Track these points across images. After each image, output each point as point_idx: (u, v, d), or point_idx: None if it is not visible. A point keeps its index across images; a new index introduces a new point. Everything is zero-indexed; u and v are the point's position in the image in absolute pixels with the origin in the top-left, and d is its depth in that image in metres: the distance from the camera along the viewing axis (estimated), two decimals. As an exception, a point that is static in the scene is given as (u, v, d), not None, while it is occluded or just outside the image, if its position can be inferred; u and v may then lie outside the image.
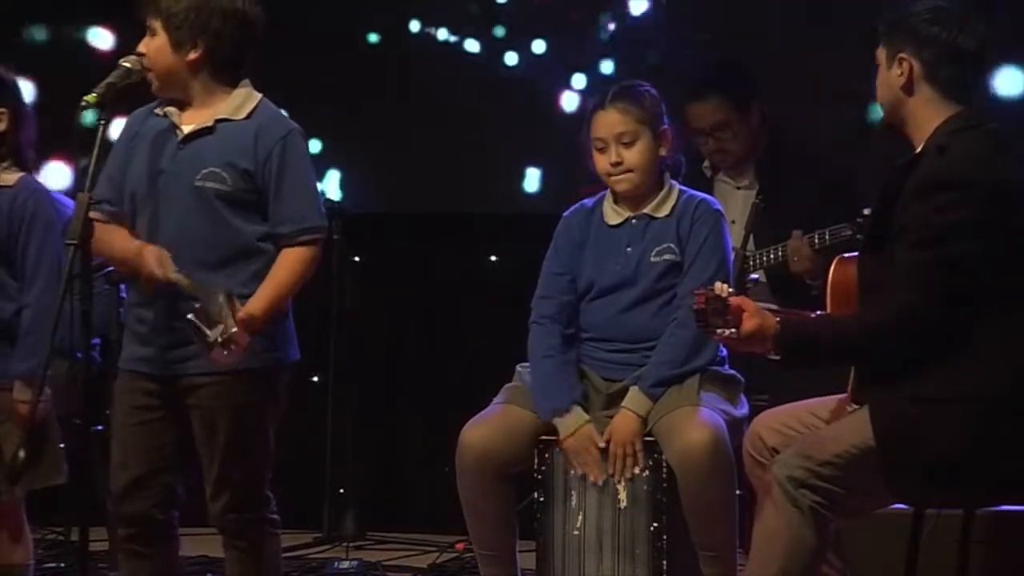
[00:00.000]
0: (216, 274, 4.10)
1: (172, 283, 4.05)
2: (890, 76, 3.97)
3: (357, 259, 6.80)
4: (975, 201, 3.81)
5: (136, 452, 4.19)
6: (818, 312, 4.17)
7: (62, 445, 4.82)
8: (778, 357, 3.90)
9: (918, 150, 3.96)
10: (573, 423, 4.64)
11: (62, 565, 5.75)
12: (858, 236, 5.06)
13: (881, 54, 4.00)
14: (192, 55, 4.18)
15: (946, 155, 3.86)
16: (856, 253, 4.15)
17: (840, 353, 3.94)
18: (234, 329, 3.98)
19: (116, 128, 4.23)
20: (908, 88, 3.96)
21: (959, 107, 3.94)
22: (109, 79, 4.09)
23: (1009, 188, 3.88)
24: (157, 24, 4.17)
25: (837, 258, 4.26)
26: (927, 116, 3.95)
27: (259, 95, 4.25)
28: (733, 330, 3.84)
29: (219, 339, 3.98)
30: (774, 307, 4.09)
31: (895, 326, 3.83)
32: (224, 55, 4.21)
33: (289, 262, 4.15)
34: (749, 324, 3.84)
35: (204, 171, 4.14)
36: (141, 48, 4.19)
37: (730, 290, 3.87)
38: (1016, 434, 3.82)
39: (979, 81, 4.01)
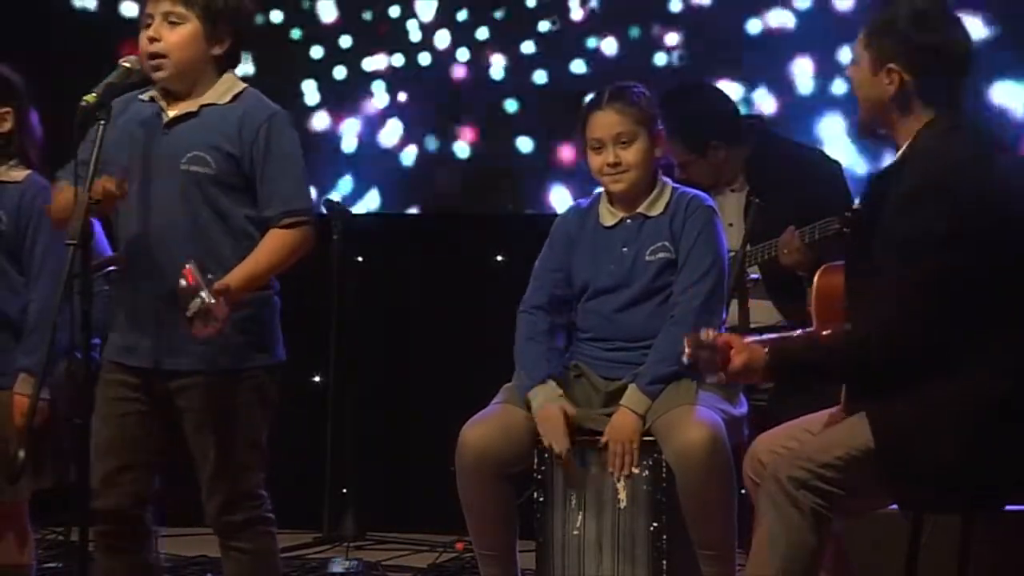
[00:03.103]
0: (203, 255, 4.05)
1: (120, 189, 4.00)
2: (877, 82, 3.94)
3: (360, 259, 6.81)
4: (960, 210, 3.79)
5: (112, 445, 4.16)
6: (805, 330, 4.15)
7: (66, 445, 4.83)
8: (768, 397, 3.93)
9: (900, 153, 3.95)
10: (545, 395, 4.65)
11: (62, 565, 5.75)
12: (845, 229, 5.08)
13: (864, 56, 3.97)
14: (218, 49, 4.18)
15: (930, 162, 3.84)
16: (841, 262, 4.16)
17: (830, 374, 3.93)
18: (212, 301, 3.90)
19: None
20: (898, 98, 3.93)
21: (944, 110, 3.92)
22: (109, 79, 4.07)
23: (995, 191, 3.86)
24: (188, 13, 4.13)
25: (823, 267, 4.28)
26: (911, 120, 3.94)
27: (244, 83, 4.24)
28: (722, 373, 3.88)
29: (197, 311, 3.91)
30: (758, 338, 4.10)
31: (881, 342, 3.82)
32: (238, 50, 4.23)
33: (271, 242, 4.12)
34: (738, 360, 3.87)
35: (189, 155, 4.12)
36: (153, 34, 4.13)
37: (715, 333, 3.89)
38: (1016, 437, 3.82)
39: (966, 83, 3.98)
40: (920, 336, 3.79)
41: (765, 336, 4.08)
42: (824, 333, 4.08)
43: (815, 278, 4.26)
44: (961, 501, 3.87)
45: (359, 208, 6.95)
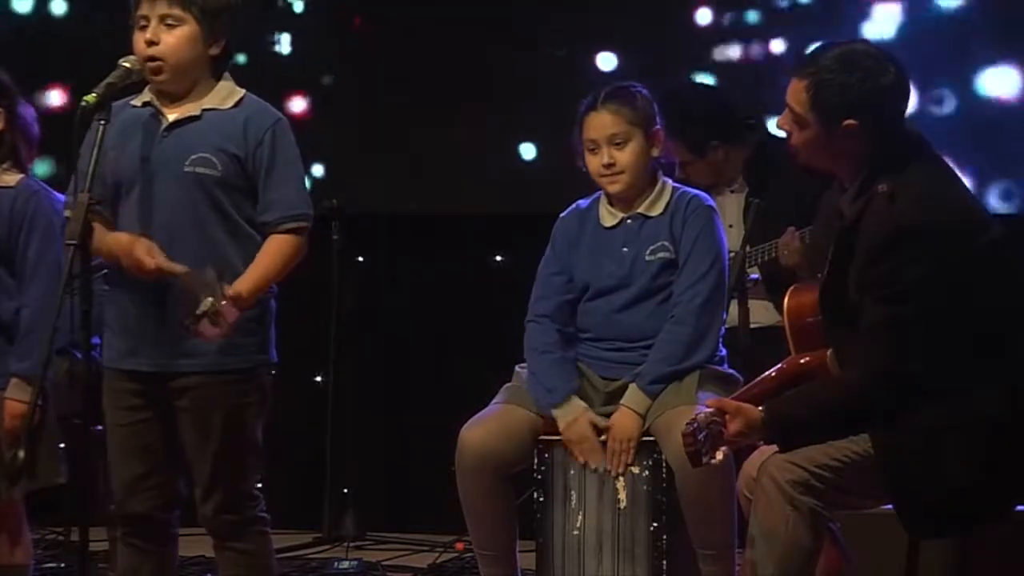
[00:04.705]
0: (206, 257, 4.06)
1: (164, 272, 4.02)
2: (832, 142, 3.88)
3: (360, 259, 6.81)
4: (939, 248, 3.78)
5: (131, 452, 4.18)
6: (786, 363, 4.14)
7: (62, 445, 4.83)
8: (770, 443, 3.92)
9: (854, 188, 3.92)
10: (571, 412, 4.65)
11: (62, 565, 5.75)
12: None
13: (811, 116, 3.89)
14: (215, 49, 4.18)
15: (897, 203, 3.82)
16: (809, 283, 4.16)
17: (830, 427, 3.88)
18: (223, 304, 3.93)
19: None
20: (860, 151, 3.89)
21: (896, 146, 3.90)
22: (109, 79, 4.06)
23: (963, 218, 3.86)
24: (186, 15, 4.12)
25: (791, 289, 4.28)
26: (863, 160, 3.91)
27: (243, 89, 4.25)
28: (724, 448, 3.87)
29: (206, 311, 3.92)
30: (746, 388, 4.11)
31: (880, 390, 3.81)
32: (231, 51, 4.24)
33: (276, 248, 4.14)
34: (733, 427, 3.86)
35: (193, 157, 4.12)
36: (151, 37, 4.12)
37: (707, 410, 3.88)
38: (1017, 458, 3.83)
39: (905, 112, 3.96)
40: (914, 377, 3.79)
41: (751, 386, 4.09)
42: (803, 361, 4.09)
43: (785, 300, 4.26)
44: (965, 522, 3.86)
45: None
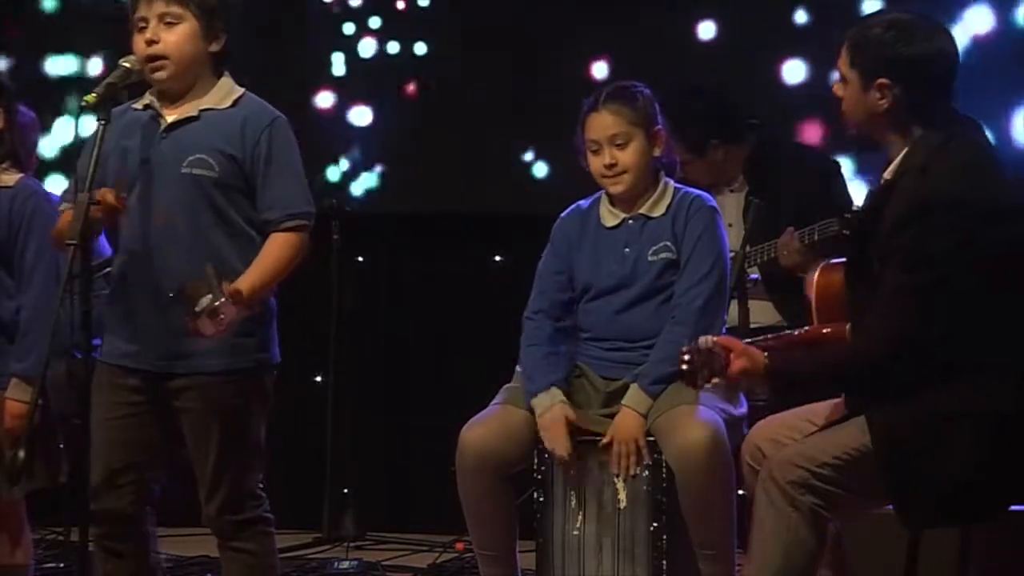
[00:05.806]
0: (204, 258, 4.05)
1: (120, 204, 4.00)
2: (868, 99, 3.92)
3: (360, 259, 6.80)
4: (963, 221, 3.79)
5: (111, 447, 4.16)
6: (805, 329, 4.14)
7: (62, 445, 4.83)
8: (767, 397, 3.91)
9: (894, 165, 3.94)
10: (548, 401, 4.66)
11: (62, 565, 5.75)
12: (845, 232, 5.08)
13: (851, 75, 3.93)
14: (215, 46, 4.19)
15: (928, 175, 3.82)
16: (840, 260, 4.16)
17: (834, 386, 3.91)
18: (222, 300, 3.93)
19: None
20: (891, 112, 3.91)
21: (937, 121, 3.90)
22: (109, 79, 4.08)
23: (995, 200, 3.86)
24: (184, 12, 4.13)
25: (822, 265, 4.27)
26: (904, 132, 3.92)
27: (242, 88, 4.25)
28: (716, 379, 3.86)
29: (205, 308, 3.91)
30: (759, 339, 4.09)
31: (891, 355, 3.80)
32: (230, 47, 4.24)
33: (276, 247, 4.14)
34: (736, 365, 3.85)
35: (190, 158, 4.13)
36: (151, 36, 4.13)
37: (713, 339, 3.87)
38: (1017, 448, 3.82)
39: (953, 91, 3.96)
40: (926, 347, 3.78)
41: (766, 337, 4.08)
42: (825, 331, 4.08)
43: (815, 276, 4.26)
44: (963, 515, 3.86)
45: (357, 190, 6.94)
